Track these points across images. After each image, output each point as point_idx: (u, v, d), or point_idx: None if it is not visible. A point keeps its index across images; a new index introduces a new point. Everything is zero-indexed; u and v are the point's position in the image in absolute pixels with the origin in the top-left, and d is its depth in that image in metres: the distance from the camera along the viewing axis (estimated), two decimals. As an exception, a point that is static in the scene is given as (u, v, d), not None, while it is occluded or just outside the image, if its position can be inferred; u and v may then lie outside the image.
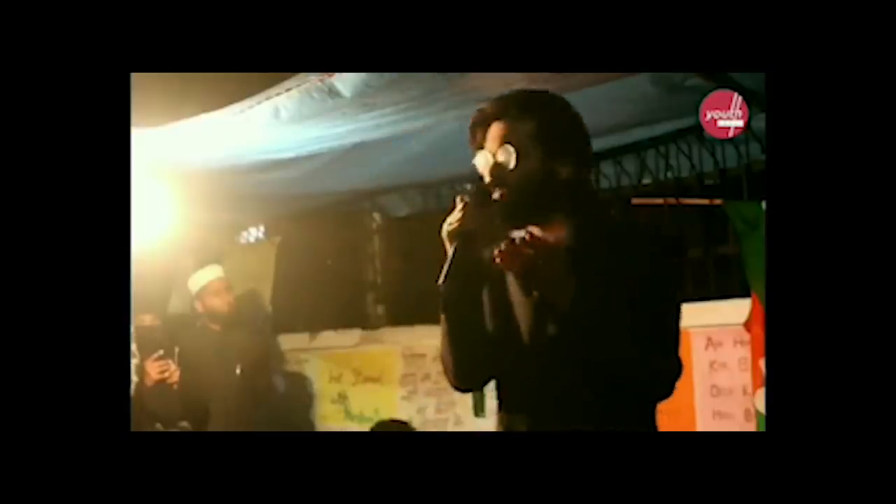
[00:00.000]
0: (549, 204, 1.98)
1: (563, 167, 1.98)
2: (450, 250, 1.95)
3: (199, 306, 5.02)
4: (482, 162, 2.01)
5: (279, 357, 5.72)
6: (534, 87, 2.09)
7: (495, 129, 2.00)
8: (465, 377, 2.08)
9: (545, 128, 1.97)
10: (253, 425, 4.84)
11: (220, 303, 4.98)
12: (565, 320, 1.88)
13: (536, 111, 1.99)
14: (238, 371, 4.88)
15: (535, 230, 1.95)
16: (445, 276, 1.92)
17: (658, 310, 1.91)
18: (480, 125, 2.03)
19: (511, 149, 1.96)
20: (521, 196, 1.96)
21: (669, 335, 1.94)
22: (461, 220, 1.96)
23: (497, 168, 1.97)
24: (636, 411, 1.93)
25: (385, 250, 6.06)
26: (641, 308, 1.88)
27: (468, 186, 2.03)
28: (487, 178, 1.99)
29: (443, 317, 2.05)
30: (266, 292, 5.70)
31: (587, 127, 2.03)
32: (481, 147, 2.02)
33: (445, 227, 1.97)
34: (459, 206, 1.97)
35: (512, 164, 1.96)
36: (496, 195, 1.97)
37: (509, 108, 1.99)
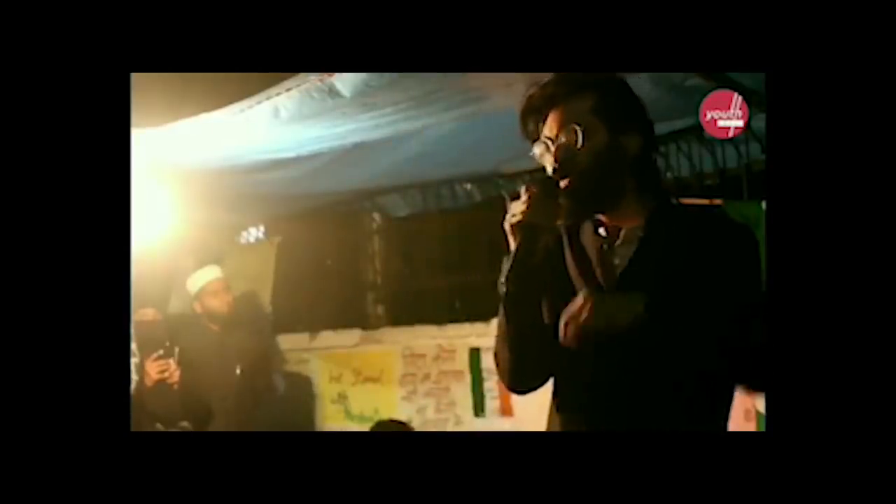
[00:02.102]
0: (618, 186, 1.88)
1: (630, 140, 1.88)
2: (513, 245, 1.84)
3: (197, 307, 5.02)
4: (541, 151, 1.89)
5: (279, 357, 5.72)
6: (533, 88, 1.98)
7: (554, 116, 1.89)
8: (524, 378, 1.97)
9: (605, 101, 1.88)
10: (253, 425, 4.84)
11: (218, 303, 4.98)
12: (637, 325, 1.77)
13: (592, 86, 1.89)
14: (238, 371, 4.88)
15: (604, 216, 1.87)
16: (509, 274, 1.82)
17: (744, 310, 1.80)
18: (533, 114, 1.92)
19: (577, 127, 1.85)
20: (590, 180, 1.86)
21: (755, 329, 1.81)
22: (526, 210, 1.82)
23: (562, 151, 1.86)
24: (701, 413, 1.85)
25: (385, 250, 6.06)
26: (724, 307, 1.78)
27: (535, 176, 1.92)
28: (551, 166, 1.86)
29: (502, 314, 1.92)
30: (266, 292, 5.71)
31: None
32: (536, 138, 1.91)
33: (509, 219, 1.85)
34: (524, 196, 1.84)
35: (580, 143, 1.84)
36: (563, 183, 1.85)
37: (563, 90, 1.89)
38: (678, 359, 1.80)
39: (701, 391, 1.83)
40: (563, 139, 1.87)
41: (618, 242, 1.90)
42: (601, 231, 1.93)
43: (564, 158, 1.86)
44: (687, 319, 1.77)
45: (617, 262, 1.90)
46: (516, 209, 1.84)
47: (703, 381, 1.82)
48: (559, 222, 1.92)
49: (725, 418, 1.90)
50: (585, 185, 1.86)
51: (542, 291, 1.93)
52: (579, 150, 1.85)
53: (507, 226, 1.85)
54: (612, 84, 1.93)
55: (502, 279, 1.83)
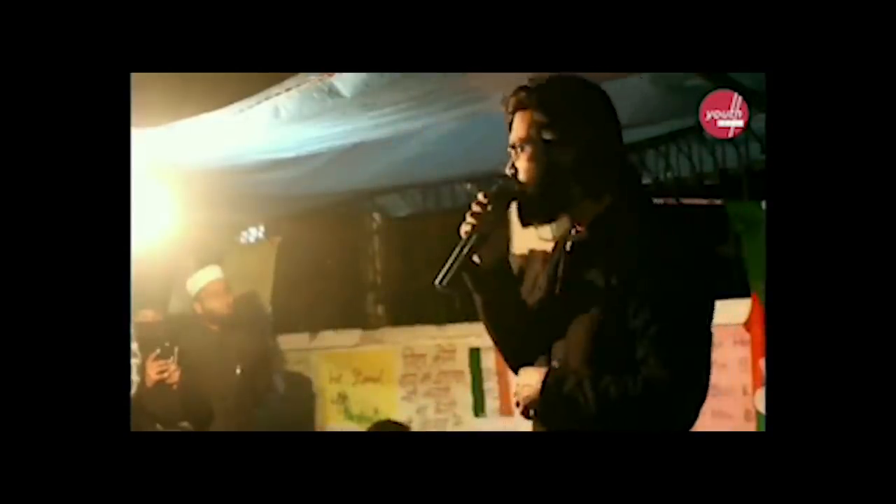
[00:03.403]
0: (568, 191, 1.94)
1: (563, 152, 1.92)
2: (456, 250, 1.93)
3: (198, 308, 5.01)
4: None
5: (279, 357, 5.72)
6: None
7: (513, 126, 1.98)
8: (518, 358, 2.03)
9: (538, 117, 1.93)
10: (253, 425, 4.84)
11: (219, 304, 4.97)
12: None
13: (532, 104, 1.94)
14: (238, 371, 4.88)
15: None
16: (444, 277, 1.91)
17: (686, 314, 1.84)
18: (510, 127, 2.00)
19: (510, 150, 1.96)
20: (539, 187, 1.93)
21: (697, 348, 1.85)
22: (475, 221, 1.93)
23: (511, 164, 1.96)
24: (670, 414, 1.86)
25: (385, 250, 6.06)
26: (667, 310, 1.82)
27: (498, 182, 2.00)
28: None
29: (483, 320, 2.04)
30: (266, 292, 5.70)
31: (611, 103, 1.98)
32: None
33: (463, 227, 1.94)
34: (474, 206, 1.94)
35: (512, 158, 1.94)
36: (517, 189, 1.94)
37: (514, 103, 1.96)
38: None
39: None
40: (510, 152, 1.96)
41: (571, 237, 1.97)
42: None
43: (512, 169, 1.96)
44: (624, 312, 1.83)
45: (567, 247, 1.97)
46: (469, 217, 1.94)
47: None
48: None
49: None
50: (534, 192, 1.94)
51: (510, 292, 2.02)
52: (521, 161, 1.93)
53: (462, 232, 1.94)
54: (557, 91, 1.96)
55: (438, 281, 1.92)
